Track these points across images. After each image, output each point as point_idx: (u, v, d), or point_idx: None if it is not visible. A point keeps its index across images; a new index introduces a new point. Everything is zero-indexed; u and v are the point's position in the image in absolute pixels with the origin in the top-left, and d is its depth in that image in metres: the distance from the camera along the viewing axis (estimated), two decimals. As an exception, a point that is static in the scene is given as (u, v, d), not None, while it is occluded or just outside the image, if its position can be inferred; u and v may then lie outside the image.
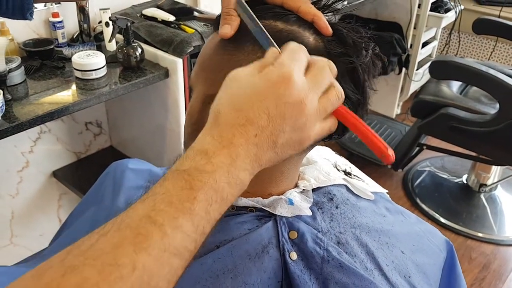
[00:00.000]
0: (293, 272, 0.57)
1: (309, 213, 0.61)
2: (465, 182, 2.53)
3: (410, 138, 2.44)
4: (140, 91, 1.62)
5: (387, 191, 0.78)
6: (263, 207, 0.61)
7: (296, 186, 0.65)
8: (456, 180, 2.59)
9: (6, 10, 0.66)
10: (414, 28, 2.88)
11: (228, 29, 0.56)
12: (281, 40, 0.54)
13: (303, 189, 0.65)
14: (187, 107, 1.67)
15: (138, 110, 1.86)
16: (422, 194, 2.49)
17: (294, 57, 0.47)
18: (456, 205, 2.45)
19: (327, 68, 0.48)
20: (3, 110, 1.25)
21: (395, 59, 2.84)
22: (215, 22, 0.64)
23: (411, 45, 2.94)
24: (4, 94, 1.27)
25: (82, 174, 1.93)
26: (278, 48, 0.50)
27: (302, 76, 0.46)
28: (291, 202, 0.61)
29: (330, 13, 0.62)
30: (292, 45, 0.49)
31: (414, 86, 3.12)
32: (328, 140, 0.61)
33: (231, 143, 0.43)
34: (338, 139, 0.62)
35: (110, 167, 1.26)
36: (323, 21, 0.58)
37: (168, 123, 1.75)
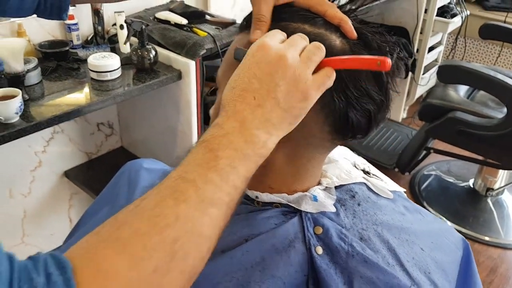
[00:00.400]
0: (319, 266, 0.59)
1: (333, 209, 0.63)
2: (471, 186, 2.54)
3: (417, 142, 2.46)
4: (152, 92, 1.65)
5: (404, 190, 0.80)
6: (288, 203, 0.63)
7: (319, 183, 0.67)
8: (462, 184, 2.60)
9: (44, 11, 0.69)
10: (421, 33, 2.90)
11: (259, 34, 0.58)
12: (309, 42, 0.57)
13: (326, 187, 0.67)
14: (199, 109, 1.70)
15: (150, 112, 1.88)
16: (429, 198, 2.50)
17: (268, 35, 0.53)
18: (463, 209, 2.46)
19: (299, 36, 0.53)
20: (22, 110, 1.27)
21: (401, 64, 2.85)
22: (242, 24, 0.66)
23: (417, 50, 2.96)
24: (22, 94, 1.30)
25: (93, 174, 1.94)
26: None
27: (277, 43, 0.51)
28: (315, 199, 0.63)
29: (356, 17, 0.64)
30: (271, 31, 0.54)
31: (420, 90, 3.14)
32: (352, 139, 0.63)
33: (235, 112, 0.49)
34: (361, 138, 0.64)
35: (125, 166, 1.29)
36: (349, 25, 0.60)
37: (179, 124, 1.77)
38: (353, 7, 0.64)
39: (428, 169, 2.71)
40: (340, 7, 0.63)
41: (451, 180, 2.65)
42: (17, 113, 1.25)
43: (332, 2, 0.63)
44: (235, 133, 0.47)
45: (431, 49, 3.07)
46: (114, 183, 1.28)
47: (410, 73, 2.99)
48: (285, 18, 0.61)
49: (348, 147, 2.72)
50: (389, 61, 0.51)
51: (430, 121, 2.17)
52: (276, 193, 0.64)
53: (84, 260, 0.39)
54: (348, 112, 0.58)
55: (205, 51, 1.62)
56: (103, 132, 2.02)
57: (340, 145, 0.74)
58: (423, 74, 3.07)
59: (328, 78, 0.53)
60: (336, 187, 0.68)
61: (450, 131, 2.05)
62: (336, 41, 0.59)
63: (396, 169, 2.55)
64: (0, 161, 1.69)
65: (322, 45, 0.53)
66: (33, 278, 0.35)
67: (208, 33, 1.68)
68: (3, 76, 1.36)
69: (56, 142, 1.86)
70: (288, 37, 0.55)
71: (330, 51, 0.57)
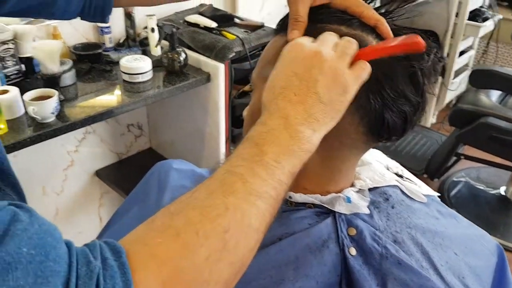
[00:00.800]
0: (353, 266, 0.59)
1: (367, 211, 0.63)
2: (503, 193, 2.49)
3: (447, 148, 2.42)
4: (181, 94, 1.67)
5: (438, 194, 0.79)
6: (322, 204, 0.63)
7: (352, 185, 0.67)
8: (493, 192, 2.54)
9: (88, 13, 0.72)
10: (451, 37, 2.85)
11: (296, 34, 0.59)
12: None
13: (360, 189, 0.67)
14: (227, 111, 1.71)
15: (178, 113, 1.91)
16: (458, 205, 2.46)
17: (302, 37, 0.54)
18: (493, 217, 2.41)
19: (330, 34, 0.55)
20: (58, 110, 1.31)
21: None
22: (277, 26, 0.67)
23: (447, 54, 2.92)
24: (58, 95, 1.33)
25: (123, 174, 1.98)
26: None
27: (310, 42, 0.53)
28: (349, 200, 0.63)
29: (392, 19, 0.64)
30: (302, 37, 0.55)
31: (450, 95, 3.09)
32: (387, 141, 0.63)
33: (278, 109, 0.50)
34: (396, 140, 0.64)
35: (155, 166, 1.30)
36: (385, 26, 0.60)
37: (207, 126, 1.79)
38: (390, 9, 0.64)
39: (457, 175, 2.67)
40: (377, 9, 0.63)
41: (481, 187, 2.60)
42: (53, 113, 1.29)
43: (369, 3, 0.63)
44: (280, 129, 0.48)
45: (461, 53, 3.02)
46: (144, 182, 1.30)
47: (440, 78, 2.95)
48: (321, 20, 0.61)
49: (377, 152, 2.63)
50: (420, 39, 0.51)
51: (461, 126, 2.14)
52: (310, 193, 0.64)
53: (137, 245, 0.40)
54: (384, 113, 0.58)
55: (234, 54, 1.63)
56: (132, 133, 2.06)
57: (373, 148, 0.74)
58: (453, 79, 3.02)
59: (364, 70, 0.53)
60: (369, 190, 0.67)
61: (481, 137, 2.01)
62: (373, 42, 0.59)
63: (425, 175, 2.51)
64: (35, 159, 1.73)
65: (353, 39, 0.54)
66: (90, 262, 0.36)
67: (237, 36, 1.69)
68: (39, 77, 1.41)
69: (88, 142, 1.90)
70: None
71: None
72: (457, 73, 3.08)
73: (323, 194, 0.64)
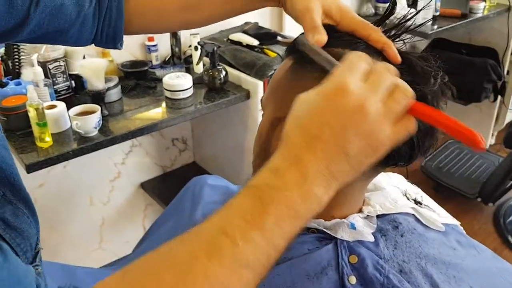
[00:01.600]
0: (351, 296, 0.57)
1: (371, 239, 0.61)
2: None
3: (503, 171, 2.28)
4: (222, 111, 1.70)
5: (459, 223, 0.75)
6: (324, 229, 0.62)
7: (360, 211, 0.65)
8: (555, 219, 2.37)
9: (100, 41, 0.75)
10: (511, 54, 2.72)
11: (323, 36, 0.58)
12: None
13: (367, 215, 0.65)
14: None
15: (220, 129, 1.94)
16: (515, 232, 2.31)
17: (350, 67, 0.46)
18: (554, 246, 2.24)
19: (385, 70, 0.46)
20: (100, 125, 1.37)
21: (490, 86, 2.69)
22: (286, 50, 0.67)
23: (507, 72, 2.77)
24: (102, 110, 1.40)
25: (167, 187, 2.04)
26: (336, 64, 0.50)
27: (359, 83, 0.44)
28: (353, 227, 0.62)
29: (401, 42, 0.63)
30: (350, 56, 0.47)
31: (510, 115, 2.93)
32: (394, 166, 0.61)
33: (300, 160, 0.44)
34: (405, 166, 0.62)
35: (190, 182, 1.34)
36: (392, 49, 0.59)
37: (246, 142, 1.81)
38: (398, 32, 0.63)
39: (515, 200, 2.51)
40: (385, 32, 0.62)
41: (542, 213, 2.42)
42: (95, 128, 1.35)
43: (377, 26, 0.62)
44: (294, 188, 0.43)
45: (523, 71, 2.86)
46: (179, 197, 1.33)
47: (499, 97, 2.81)
48: (328, 44, 0.61)
49: (425, 173, 2.60)
50: (483, 145, 0.43)
51: (517, 148, 2.02)
52: (314, 218, 0.63)
53: None
54: None
55: (273, 71, 1.63)
56: (177, 147, 2.12)
57: (391, 172, 0.72)
58: (514, 97, 2.87)
59: (407, 131, 0.46)
60: (378, 216, 0.65)
61: (538, 161, 1.89)
62: None
63: (479, 199, 2.38)
64: (84, 170, 1.82)
65: (410, 90, 0.46)
66: None
67: (278, 53, 1.70)
68: (87, 93, 1.49)
69: (134, 155, 1.98)
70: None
71: None
72: (519, 92, 2.91)
73: (327, 219, 0.63)
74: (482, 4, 2.43)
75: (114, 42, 0.75)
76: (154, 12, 0.74)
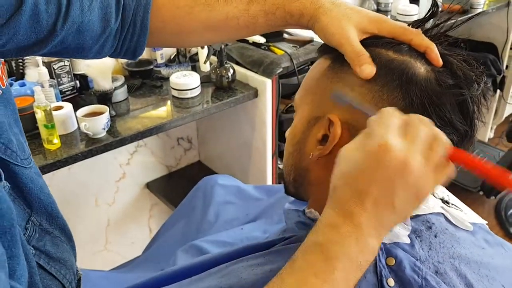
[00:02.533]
0: (391, 298, 0.57)
1: (408, 240, 0.61)
2: None
3: (504, 164, 2.30)
4: (229, 109, 1.69)
5: (486, 222, 0.75)
6: (360, 232, 0.61)
7: (393, 212, 0.65)
8: (557, 212, 2.39)
9: (118, 53, 0.72)
10: (511, 48, 2.73)
11: (370, 68, 0.58)
12: (393, 69, 0.57)
13: (401, 216, 0.64)
14: (274, 127, 1.72)
15: (227, 128, 1.93)
16: (517, 225, 2.32)
17: (387, 124, 0.49)
18: (557, 239, 2.26)
19: (420, 123, 0.49)
20: (109, 126, 1.36)
21: (489, 81, 2.70)
22: (320, 48, 0.67)
23: (506, 66, 2.79)
24: (109, 111, 1.39)
25: (172, 187, 2.03)
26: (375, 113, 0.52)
27: (399, 139, 0.48)
28: (389, 228, 0.61)
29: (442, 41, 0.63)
30: (384, 112, 0.51)
31: (509, 109, 2.95)
32: None
33: (351, 213, 0.48)
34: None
35: (201, 182, 1.33)
36: (435, 52, 0.59)
37: (254, 141, 1.80)
38: (440, 31, 0.63)
39: (517, 193, 2.53)
40: (426, 31, 0.62)
41: (544, 206, 2.44)
42: (104, 129, 1.34)
43: (418, 28, 0.62)
44: (352, 241, 0.47)
45: (522, 65, 2.88)
46: (190, 197, 1.33)
47: (498, 91, 2.82)
48: (370, 44, 0.61)
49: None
50: None
51: (520, 143, 2.03)
52: None
53: None
54: None
55: (281, 69, 1.63)
56: (182, 146, 2.10)
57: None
58: (513, 91, 2.88)
59: (448, 178, 0.50)
60: (411, 217, 0.65)
61: (543, 155, 1.90)
62: (421, 68, 0.59)
63: (481, 192, 2.40)
64: (89, 172, 1.81)
65: (446, 139, 0.50)
66: None
67: (285, 51, 1.69)
68: (92, 93, 1.47)
69: (139, 155, 1.96)
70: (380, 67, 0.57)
71: (415, 79, 0.57)
72: (518, 86, 2.93)
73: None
74: (482, 0, 2.43)
75: (133, 55, 0.73)
76: (174, 30, 0.72)
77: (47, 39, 0.62)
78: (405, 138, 0.48)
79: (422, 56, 0.60)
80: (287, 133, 0.70)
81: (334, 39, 0.61)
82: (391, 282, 0.58)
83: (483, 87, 0.58)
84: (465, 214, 0.73)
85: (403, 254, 0.60)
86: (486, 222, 0.76)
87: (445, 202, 0.74)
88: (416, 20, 0.64)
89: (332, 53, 0.64)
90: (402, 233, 0.61)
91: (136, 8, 0.68)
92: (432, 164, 0.48)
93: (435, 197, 0.73)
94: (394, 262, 0.59)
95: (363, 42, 0.61)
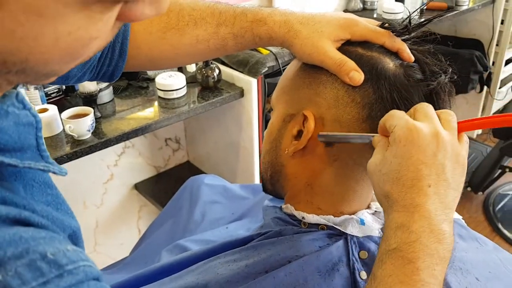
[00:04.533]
0: (363, 291, 0.58)
1: (380, 234, 0.62)
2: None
3: (491, 160, 2.33)
4: (216, 109, 1.70)
5: (461, 217, 0.77)
6: (334, 225, 0.62)
7: (368, 207, 0.66)
8: (544, 206, 2.42)
9: (96, 77, 0.73)
10: (497, 45, 2.76)
11: (358, 75, 0.59)
12: (363, 64, 0.58)
13: (375, 211, 0.66)
14: (260, 126, 1.72)
15: (214, 128, 1.94)
16: (505, 219, 2.35)
17: (399, 115, 0.52)
18: (544, 233, 2.28)
19: (425, 105, 0.53)
20: (94, 127, 1.36)
21: (476, 77, 2.72)
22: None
23: (493, 63, 2.82)
24: (94, 112, 1.39)
25: (161, 187, 2.03)
26: (371, 136, 0.55)
27: (416, 121, 0.50)
28: (362, 222, 0.62)
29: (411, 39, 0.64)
30: (391, 112, 0.53)
31: (496, 105, 2.98)
32: None
33: (416, 205, 0.47)
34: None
35: (187, 182, 1.34)
36: (406, 52, 0.61)
37: (241, 140, 1.80)
38: (410, 35, 0.64)
39: (504, 188, 2.55)
40: (397, 34, 0.63)
41: (531, 201, 2.47)
42: (89, 131, 1.34)
43: (386, 28, 0.63)
44: (426, 234, 0.46)
45: (508, 61, 2.91)
46: (177, 198, 1.33)
47: (485, 87, 2.85)
48: (344, 43, 0.63)
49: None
50: None
51: (506, 138, 2.05)
52: (324, 214, 0.64)
53: None
54: None
55: (266, 69, 1.64)
56: (170, 147, 2.11)
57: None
58: (500, 88, 2.91)
59: (467, 143, 0.53)
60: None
61: (527, 150, 1.92)
62: (390, 64, 0.60)
63: (469, 188, 2.42)
64: (76, 173, 1.81)
65: (450, 111, 0.53)
66: None
67: (271, 51, 1.70)
68: (78, 95, 1.47)
69: (127, 156, 1.96)
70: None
71: (384, 74, 0.59)
72: (504, 82, 2.96)
73: (336, 215, 0.64)
74: (467, -4, 2.45)
75: (110, 78, 0.74)
76: (148, 55, 0.72)
77: None
78: (419, 119, 0.51)
79: (391, 53, 0.61)
80: (264, 132, 0.72)
81: (313, 58, 0.62)
82: (364, 275, 0.59)
83: (449, 80, 0.60)
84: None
85: (376, 247, 0.61)
86: (461, 217, 0.77)
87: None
88: (386, 21, 0.65)
89: None
90: (375, 227, 0.63)
91: (115, 36, 0.69)
92: (455, 131, 0.50)
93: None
94: (367, 255, 0.60)
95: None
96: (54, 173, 0.43)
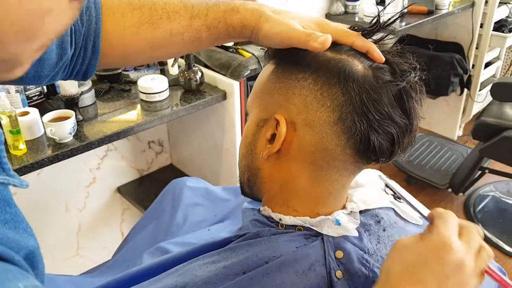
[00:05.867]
0: (339, 290, 0.59)
1: (356, 234, 0.63)
2: (532, 208, 2.40)
3: (471, 161, 2.37)
4: (199, 112, 1.70)
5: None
6: (310, 226, 0.63)
7: (344, 207, 0.67)
8: (522, 206, 2.46)
9: (69, 76, 0.73)
10: (476, 48, 2.80)
11: (326, 37, 0.60)
12: (331, 68, 0.59)
13: (351, 211, 0.67)
14: (243, 128, 1.73)
15: (197, 130, 1.94)
16: (485, 220, 2.39)
17: (448, 224, 0.54)
18: (523, 233, 2.33)
19: (476, 233, 0.55)
20: (75, 130, 1.35)
21: (456, 80, 2.77)
22: (266, 55, 0.69)
23: (473, 66, 2.87)
24: (76, 115, 1.38)
25: (144, 190, 2.02)
26: (427, 220, 0.58)
27: (458, 240, 0.53)
28: (338, 223, 0.64)
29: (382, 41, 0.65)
30: (442, 213, 0.55)
31: (477, 107, 3.03)
32: (376, 162, 0.63)
33: None
34: (386, 162, 0.64)
35: (170, 184, 1.34)
36: (376, 52, 0.62)
37: (224, 143, 1.81)
38: (378, 36, 0.65)
39: (484, 189, 2.59)
40: (365, 35, 0.64)
41: (511, 201, 2.52)
42: (70, 133, 1.33)
43: (356, 30, 0.64)
44: None
45: (488, 64, 2.96)
46: (159, 200, 1.33)
47: (465, 90, 2.90)
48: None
49: (397, 166, 2.65)
50: None
51: (484, 140, 2.09)
52: (300, 215, 0.65)
53: None
54: (370, 135, 0.59)
55: (249, 71, 1.65)
56: (153, 149, 2.10)
57: (368, 168, 0.74)
58: (480, 90, 2.96)
59: (480, 285, 0.54)
60: (361, 212, 0.67)
61: (505, 151, 1.96)
62: (359, 66, 0.61)
63: (449, 190, 2.46)
64: (58, 177, 1.79)
65: (491, 252, 0.55)
66: None
67: (253, 54, 1.71)
68: (59, 98, 1.46)
69: (110, 159, 1.96)
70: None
71: (352, 76, 0.59)
72: (484, 85, 3.01)
73: (312, 217, 0.65)
74: (447, 1, 2.50)
75: (84, 77, 0.74)
76: (122, 51, 0.72)
77: None
78: (463, 241, 0.53)
79: (361, 54, 0.62)
80: (242, 136, 0.72)
81: (281, 36, 0.62)
82: (339, 274, 0.60)
83: (418, 78, 0.61)
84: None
85: (351, 247, 0.62)
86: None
87: (397, 198, 0.76)
88: (356, 24, 0.66)
89: (274, 58, 0.66)
90: (350, 227, 0.64)
91: (87, 33, 0.69)
92: (478, 270, 0.53)
93: (387, 193, 0.76)
94: (342, 255, 0.61)
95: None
96: (14, 185, 0.42)
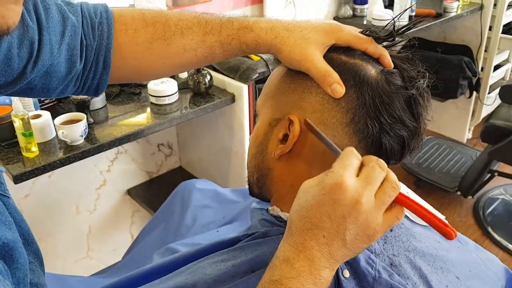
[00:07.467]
0: (346, 289, 0.60)
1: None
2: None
3: (480, 164, 2.36)
4: (208, 115, 1.72)
5: (444, 217, 0.79)
6: (318, 227, 0.64)
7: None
8: (532, 209, 2.45)
9: (81, 91, 0.73)
10: (485, 51, 2.80)
11: (340, 88, 0.61)
12: (347, 70, 0.61)
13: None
14: (251, 131, 1.75)
15: (206, 133, 1.96)
16: (495, 223, 2.37)
17: (344, 163, 0.51)
18: (533, 236, 2.31)
19: (376, 166, 0.52)
20: (86, 133, 1.37)
21: (465, 83, 2.77)
22: (276, 58, 0.70)
23: (482, 68, 2.86)
24: (87, 118, 1.40)
25: (153, 193, 2.04)
26: (340, 151, 0.55)
27: (354, 178, 0.50)
28: (345, 223, 0.64)
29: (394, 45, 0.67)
30: (344, 152, 0.53)
31: (486, 110, 3.02)
32: (396, 162, 0.65)
33: (304, 247, 0.50)
34: (395, 164, 0.65)
35: (179, 186, 1.35)
36: (387, 58, 0.64)
37: (233, 145, 1.83)
38: (393, 41, 0.66)
39: (494, 192, 2.58)
40: (377, 40, 0.66)
41: (521, 204, 2.50)
42: (81, 136, 1.36)
43: (369, 35, 0.65)
44: (306, 275, 0.50)
45: (497, 67, 2.95)
46: (168, 202, 1.35)
47: (474, 93, 2.89)
48: (328, 50, 0.65)
49: (406, 169, 2.64)
50: (453, 236, 0.51)
51: (493, 142, 2.09)
52: None
53: None
54: (381, 138, 0.61)
55: (257, 75, 1.67)
56: (163, 152, 2.12)
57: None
58: (489, 93, 2.95)
59: (397, 220, 0.53)
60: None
61: (514, 154, 1.95)
62: (372, 71, 0.62)
63: (458, 192, 2.45)
64: (69, 179, 1.82)
65: (398, 183, 0.52)
66: None
67: (261, 57, 1.73)
68: (71, 101, 1.49)
69: (120, 162, 1.98)
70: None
71: (367, 80, 0.61)
72: (493, 88, 3.00)
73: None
74: (455, 3, 2.49)
75: (96, 92, 0.74)
76: (135, 67, 0.73)
77: (16, 81, 0.62)
78: (360, 178, 0.51)
79: (372, 59, 0.64)
80: (250, 137, 0.74)
81: (301, 66, 0.64)
82: (346, 273, 0.61)
83: (427, 85, 0.62)
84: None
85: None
86: (444, 217, 0.79)
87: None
88: (368, 28, 0.67)
89: None
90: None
91: (98, 48, 0.69)
92: (383, 205, 0.51)
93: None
94: (349, 255, 0.62)
95: None
96: None
